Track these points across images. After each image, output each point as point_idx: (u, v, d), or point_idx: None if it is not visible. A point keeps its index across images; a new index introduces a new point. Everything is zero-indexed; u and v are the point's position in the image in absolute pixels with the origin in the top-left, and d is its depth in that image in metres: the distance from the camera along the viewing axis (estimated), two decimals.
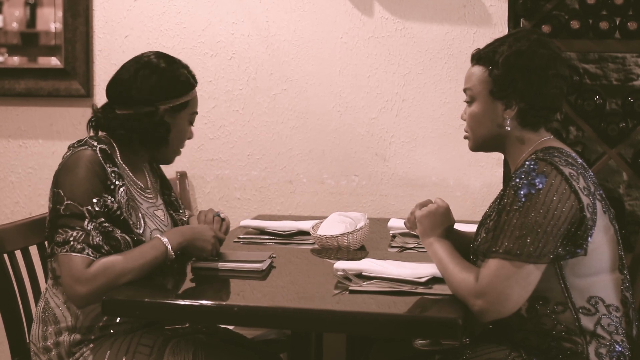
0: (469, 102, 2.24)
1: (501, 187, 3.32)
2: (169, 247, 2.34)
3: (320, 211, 3.46)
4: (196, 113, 2.52)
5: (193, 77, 2.50)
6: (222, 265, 2.37)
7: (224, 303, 2.13)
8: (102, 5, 3.60)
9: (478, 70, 2.21)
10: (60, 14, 3.61)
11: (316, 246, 2.73)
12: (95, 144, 2.36)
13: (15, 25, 3.69)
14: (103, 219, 2.28)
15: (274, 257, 2.48)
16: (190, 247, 2.41)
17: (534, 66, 2.13)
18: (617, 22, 3.23)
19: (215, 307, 2.11)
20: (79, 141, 2.39)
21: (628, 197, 3.54)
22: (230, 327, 2.63)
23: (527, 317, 2.09)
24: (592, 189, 2.09)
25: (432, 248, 2.20)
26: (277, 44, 3.50)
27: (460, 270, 2.08)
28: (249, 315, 2.10)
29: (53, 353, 2.34)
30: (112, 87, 2.46)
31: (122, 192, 2.34)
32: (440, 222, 2.23)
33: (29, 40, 3.70)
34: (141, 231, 2.38)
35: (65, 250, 2.24)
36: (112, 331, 2.34)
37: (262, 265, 2.36)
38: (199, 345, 2.31)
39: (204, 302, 2.12)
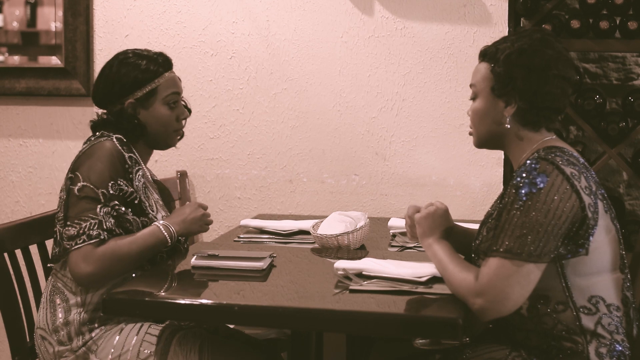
0: (473, 98, 2.24)
1: (501, 187, 3.32)
2: (167, 236, 2.42)
3: (321, 210, 3.46)
4: (176, 93, 2.57)
5: (161, 62, 2.56)
6: (222, 264, 2.37)
7: (224, 302, 2.13)
8: (102, 5, 3.60)
9: (483, 67, 2.21)
10: (60, 13, 3.61)
11: (316, 245, 2.73)
12: (112, 134, 2.47)
13: (15, 24, 3.69)
14: (117, 202, 2.37)
15: (274, 257, 2.48)
16: (187, 233, 2.51)
17: (534, 65, 2.12)
18: (617, 22, 3.23)
19: (215, 306, 2.11)
20: (95, 135, 2.51)
21: (628, 196, 3.54)
22: (231, 327, 2.64)
23: (527, 316, 2.09)
24: (594, 189, 2.08)
25: (431, 249, 2.20)
26: (278, 43, 3.50)
27: (460, 270, 2.08)
28: (249, 314, 2.10)
29: (62, 333, 2.36)
30: (92, 92, 2.61)
31: (139, 176, 2.45)
32: (439, 223, 2.24)
33: (29, 39, 3.70)
34: (156, 215, 2.48)
35: (81, 241, 2.31)
36: None
37: (263, 265, 2.36)
38: (205, 338, 2.35)
39: (204, 301, 2.12)
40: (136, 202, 2.41)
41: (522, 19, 3.33)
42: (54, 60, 3.65)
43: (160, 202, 2.61)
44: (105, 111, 2.55)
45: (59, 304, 2.39)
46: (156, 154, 3.58)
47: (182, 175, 3.56)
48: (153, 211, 2.47)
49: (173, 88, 2.57)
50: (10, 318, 2.47)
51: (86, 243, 2.31)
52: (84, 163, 2.39)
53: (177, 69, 3.67)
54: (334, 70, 3.47)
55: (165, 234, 2.41)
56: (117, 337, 2.33)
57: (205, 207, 2.56)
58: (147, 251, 2.39)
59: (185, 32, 3.56)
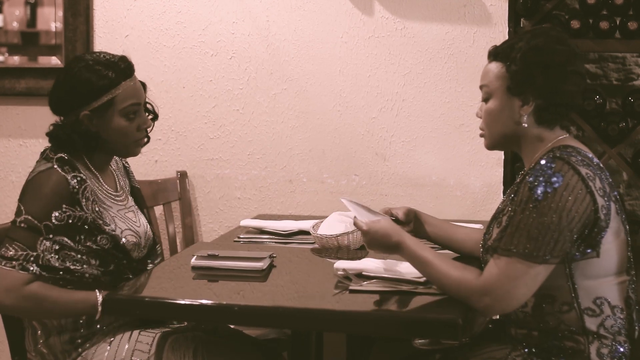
0: (486, 99, 2.21)
1: (501, 187, 3.32)
2: (99, 306, 2.30)
3: (321, 211, 3.46)
4: (135, 104, 2.40)
5: (122, 69, 2.38)
6: (222, 264, 2.37)
7: (224, 302, 2.13)
8: (102, 5, 3.60)
9: (495, 66, 2.18)
10: (60, 13, 3.61)
11: (316, 246, 2.73)
12: (52, 155, 2.36)
13: (15, 24, 3.69)
14: (60, 233, 2.26)
15: (274, 257, 2.48)
16: None
17: (552, 62, 2.11)
18: (617, 22, 3.23)
19: (215, 307, 2.11)
20: (42, 153, 2.40)
21: (628, 197, 3.54)
22: (231, 327, 2.63)
23: (532, 314, 2.09)
24: (608, 190, 2.07)
25: (405, 253, 2.15)
26: (278, 43, 3.50)
27: (453, 268, 2.06)
28: (250, 314, 2.10)
29: (47, 356, 2.34)
30: (49, 98, 2.46)
31: (87, 193, 2.32)
32: (391, 234, 2.19)
33: (29, 39, 3.70)
34: (114, 229, 2.38)
35: (11, 266, 2.23)
36: (98, 326, 2.35)
37: (262, 265, 2.36)
38: (199, 341, 2.32)
39: (204, 301, 2.12)
40: (87, 224, 2.30)
41: (522, 19, 3.32)
42: (54, 60, 3.65)
43: (130, 207, 2.52)
44: (60, 119, 2.43)
45: (38, 328, 2.36)
46: (156, 154, 3.58)
47: (182, 175, 3.56)
48: (109, 225, 2.35)
49: (132, 99, 2.38)
50: (10, 318, 2.47)
51: (15, 270, 2.22)
52: (27, 194, 2.30)
53: (177, 69, 3.68)
54: (334, 70, 3.47)
55: (98, 306, 2.29)
56: (108, 348, 2.30)
57: None
58: (72, 311, 2.29)
59: (185, 32, 3.56)
